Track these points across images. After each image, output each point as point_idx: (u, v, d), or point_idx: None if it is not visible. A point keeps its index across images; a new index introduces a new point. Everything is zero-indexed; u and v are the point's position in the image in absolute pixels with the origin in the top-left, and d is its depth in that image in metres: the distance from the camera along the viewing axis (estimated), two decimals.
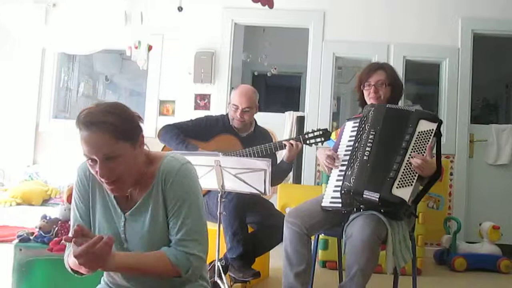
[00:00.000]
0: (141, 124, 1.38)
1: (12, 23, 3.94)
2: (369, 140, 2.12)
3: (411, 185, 2.00)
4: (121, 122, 1.28)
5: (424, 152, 2.03)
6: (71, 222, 1.45)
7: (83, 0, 3.91)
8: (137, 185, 1.38)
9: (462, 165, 4.19)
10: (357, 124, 2.23)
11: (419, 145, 2.05)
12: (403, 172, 2.02)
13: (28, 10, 4.39)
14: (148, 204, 1.37)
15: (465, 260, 3.54)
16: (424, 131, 2.08)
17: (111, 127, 1.25)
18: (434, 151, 2.10)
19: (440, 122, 2.11)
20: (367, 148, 2.11)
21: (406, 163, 2.03)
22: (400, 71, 4.17)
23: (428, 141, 2.06)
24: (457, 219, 3.71)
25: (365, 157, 2.09)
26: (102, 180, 1.29)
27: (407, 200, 1.98)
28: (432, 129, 2.08)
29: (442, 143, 2.30)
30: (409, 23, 4.29)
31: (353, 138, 2.21)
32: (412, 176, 2.02)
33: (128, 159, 1.29)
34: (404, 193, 1.99)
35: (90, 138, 1.25)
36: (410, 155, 2.03)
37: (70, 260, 1.34)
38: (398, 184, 2.00)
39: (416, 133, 2.07)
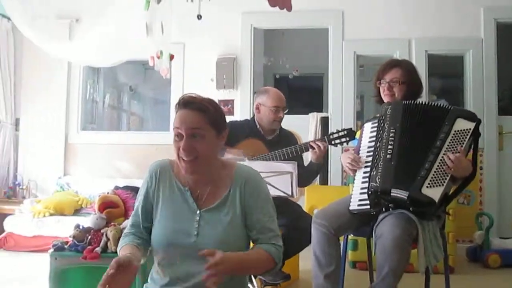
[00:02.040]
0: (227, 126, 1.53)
1: (37, 39, 4.06)
2: (390, 138, 2.08)
3: (442, 185, 1.96)
4: (214, 111, 1.45)
5: (458, 152, 1.97)
6: (133, 212, 1.55)
7: (104, 14, 3.99)
8: (213, 185, 1.48)
9: (492, 158, 4.09)
10: (375, 124, 2.20)
11: (454, 145, 1.99)
12: (435, 172, 1.96)
13: (53, 26, 4.52)
14: (225, 204, 1.46)
15: (499, 257, 3.46)
16: (461, 130, 2.01)
17: (205, 110, 1.42)
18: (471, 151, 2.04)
19: (478, 122, 2.03)
20: (389, 147, 2.07)
21: (439, 163, 1.97)
22: (422, 66, 4.14)
23: (464, 141, 1.99)
24: (489, 214, 3.62)
25: (388, 156, 2.06)
26: (182, 157, 1.40)
27: (436, 201, 1.94)
28: (470, 129, 2.01)
29: None
30: (429, 16, 4.23)
31: (374, 138, 2.18)
32: (444, 176, 1.96)
33: (209, 143, 1.43)
34: (434, 193, 1.94)
35: (184, 114, 1.41)
36: (444, 154, 1.98)
37: (120, 254, 1.42)
38: (429, 184, 1.95)
39: (452, 131, 2.01)
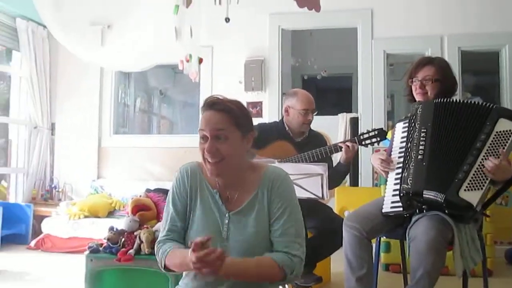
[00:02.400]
0: (254, 127, 1.51)
1: (71, 46, 4.19)
2: (421, 138, 2.02)
3: (481, 189, 1.88)
4: (239, 112, 1.43)
5: (498, 156, 1.88)
6: (164, 217, 1.52)
7: (135, 20, 4.07)
8: (241, 188, 1.46)
9: None
10: (407, 124, 2.14)
11: (495, 147, 1.90)
12: (474, 174, 1.89)
13: (85, 32, 4.65)
14: (253, 207, 1.44)
15: None
16: (503, 131, 1.91)
17: (230, 111, 1.41)
18: None
19: None
20: (421, 147, 2.01)
21: (479, 165, 1.89)
22: (455, 63, 4.03)
23: (507, 142, 1.90)
24: None
25: (419, 156, 2.00)
26: (207, 159, 1.39)
27: (474, 205, 1.87)
28: None
29: None
30: (462, 12, 4.12)
31: (405, 138, 2.12)
32: (483, 179, 1.88)
33: (234, 145, 1.41)
34: (472, 196, 1.87)
35: (209, 115, 1.40)
36: (484, 156, 1.90)
37: (168, 260, 1.41)
38: (467, 187, 1.88)
39: (494, 132, 1.91)
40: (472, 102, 2.05)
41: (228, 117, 1.39)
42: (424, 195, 1.95)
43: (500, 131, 1.91)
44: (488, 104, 2.00)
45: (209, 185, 1.48)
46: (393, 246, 3.23)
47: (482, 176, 1.89)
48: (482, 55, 4.31)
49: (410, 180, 1.99)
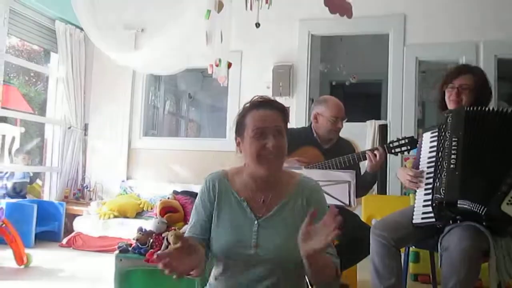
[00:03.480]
0: None
1: (106, 48, 4.30)
2: (453, 148, 1.98)
3: None
4: (284, 110, 1.49)
5: None
6: (188, 224, 1.55)
7: (168, 24, 4.15)
8: (275, 191, 1.47)
9: None
10: (435, 134, 2.10)
11: None
12: None
13: (120, 35, 4.77)
14: (283, 212, 1.44)
15: None
16: None
17: (282, 110, 1.47)
18: None
19: None
20: (452, 156, 1.97)
21: None
22: (491, 71, 3.93)
23: None
24: None
25: (451, 166, 1.96)
26: (268, 155, 1.39)
27: None
28: None
29: None
30: (498, 18, 4.01)
31: (434, 148, 2.08)
32: None
33: (286, 143, 1.45)
34: None
35: (266, 113, 1.43)
36: None
37: None
38: (509, 201, 1.84)
39: None
40: (509, 111, 1.98)
41: (282, 116, 1.45)
42: (458, 205, 1.91)
43: None
44: None
45: (236, 193, 1.48)
46: (422, 256, 3.16)
47: None
48: None
49: (443, 189, 1.96)
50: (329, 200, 2.21)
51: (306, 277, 1.78)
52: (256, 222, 1.43)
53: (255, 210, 1.45)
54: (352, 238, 2.53)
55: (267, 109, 1.43)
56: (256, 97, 1.48)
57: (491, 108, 2.01)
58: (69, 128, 5.00)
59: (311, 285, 2.42)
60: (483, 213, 1.84)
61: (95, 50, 4.87)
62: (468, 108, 2.04)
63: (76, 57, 4.98)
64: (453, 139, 2.00)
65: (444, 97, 2.24)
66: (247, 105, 1.48)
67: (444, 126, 2.06)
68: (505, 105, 4.42)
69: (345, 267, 2.57)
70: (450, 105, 2.21)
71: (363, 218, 3.38)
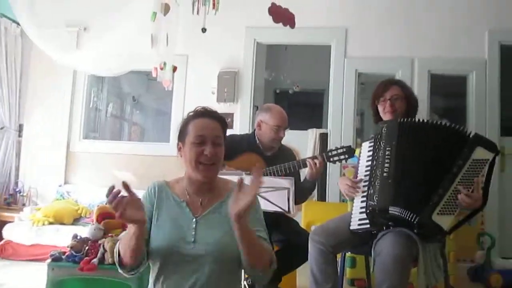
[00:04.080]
0: None
1: (46, 46, 4.11)
2: (386, 157, 2.07)
3: (453, 214, 1.93)
4: (224, 121, 1.62)
5: (472, 183, 1.92)
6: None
7: (112, 24, 4.04)
8: (212, 194, 1.58)
9: (493, 179, 4.02)
10: (372, 143, 2.20)
11: (470, 174, 1.93)
12: (447, 199, 1.92)
13: (61, 34, 4.57)
14: (221, 209, 1.54)
15: (501, 277, 3.43)
16: (479, 160, 1.94)
17: (222, 121, 1.60)
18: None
19: (497, 153, 1.97)
20: (386, 165, 2.06)
21: (453, 190, 1.93)
22: (425, 86, 4.18)
23: (481, 171, 1.94)
24: (490, 234, 3.61)
25: (385, 174, 2.05)
26: (204, 161, 1.51)
27: (445, 229, 1.92)
28: (488, 159, 1.96)
29: None
30: (433, 36, 4.26)
31: (371, 157, 2.17)
32: (455, 205, 1.92)
33: (223, 152, 1.57)
34: (444, 221, 1.91)
35: (207, 123, 1.55)
36: (459, 182, 1.93)
37: (120, 247, 1.47)
38: (440, 211, 1.92)
39: (471, 160, 1.94)
40: (443, 124, 2.09)
41: (221, 126, 1.58)
42: (390, 211, 1.99)
43: (476, 159, 1.95)
44: (465, 130, 2.03)
45: (177, 197, 1.57)
46: (358, 262, 3.27)
47: (454, 202, 1.92)
48: (451, 79, 4.45)
49: (376, 197, 2.04)
50: (269, 207, 2.24)
51: (242, 272, 1.84)
52: (194, 220, 1.52)
53: (193, 210, 1.55)
54: (291, 244, 2.58)
55: (209, 119, 1.55)
56: (200, 107, 1.60)
57: (424, 120, 2.12)
58: (2, 128, 4.71)
59: (247, 284, 2.44)
60: (415, 222, 1.92)
61: (33, 47, 4.62)
62: (401, 119, 2.16)
63: (11, 53, 4.70)
64: (387, 148, 2.09)
65: (378, 112, 2.37)
66: (191, 113, 1.59)
67: (379, 136, 2.16)
68: (437, 118, 4.70)
69: (284, 273, 2.61)
70: (386, 117, 2.33)
71: (303, 225, 3.45)
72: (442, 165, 1.98)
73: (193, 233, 1.49)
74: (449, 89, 4.92)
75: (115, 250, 1.49)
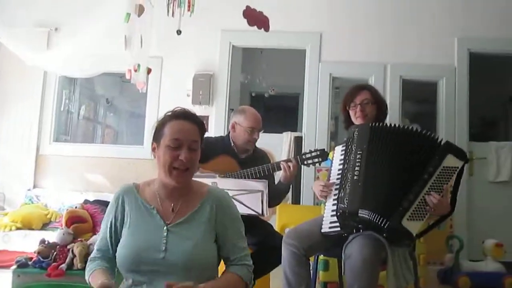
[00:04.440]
0: None
1: (14, 47, 4.00)
2: (357, 160, 2.09)
3: (422, 219, 1.96)
4: (203, 125, 1.56)
5: (442, 190, 1.96)
6: (99, 235, 1.58)
7: (84, 24, 3.97)
8: (185, 199, 1.52)
9: (462, 183, 4.13)
10: (344, 147, 2.22)
11: (440, 181, 1.97)
12: (417, 205, 1.95)
13: (31, 34, 4.46)
14: (195, 219, 1.49)
15: (469, 279, 3.51)
16: (449, 168, 1.99)
17: (200, 124, 1.54)
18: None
19: (466, 161, 2.02)
20: (356, 168, 2.08)
21: (423, 196, 1.96)
22: (397, 91, 4.26)
23: (450, 178, 1.99)
24: (459, 237, 3.69)
25: (355, 177, 2.07)
26: (178, 166, 1.45)
27: (414, 235, 1.95)
28: (458, 167, 2.00)
29: None
30: (405, 43, 4.35)
31: (343, 161, 2.19)
32: (425, 211, 1.96)
33: (198, 156, 1.51)
34: (413, 226, 1.94)
35: (185, 125, 1.49)
36: (429, 188, 1.96)
37: (91, 280, 1.44)
38: (409, 216, 1.94)
39: (441, 167, 1.98)
40: (414, 129, 2.13)
41: (198, 130, 1.51)
42: (359, 214, 2.00)
43: (446, 167, 1.98)
44: (436, 136, 2.07)
45: (145, 202, 1.52)
46: (331, 265, 3.28)
47: (424, 208, 1.95)
48: (422, 85, 4.55)
49: (346, 200, 2.06)
50: (243, 209, 2.23)
51: None
52: (165, 228, 1.47)
53: (164, 217, 1.49)
54: (265, 247, 2.57)
55: (187, 122, 1.49)
56: (179, 108, 1.53)
57: (395, 125, 2.15)
58: None
59: None
60: (385, 227, 1.94)
61: (1, 48, 4.48)
62: (373, 124, 2.18)
63: None
64: (358, 152, 2.12)
65: (349, 117, 2.40)
66: (169, 113, 1.52)
67: (351, 140, 2.19)
68: (408, 123, 4.80)
69: (258, 276, 2.59)
70: (357, 122, 2.36)
71: (277, 227, 3.45)
72: (412, 170, 2.00)
73: (164, 241, 1.44)
74: (420, 95, 5.03)
75: (87, 277, 1.47)
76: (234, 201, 2.16)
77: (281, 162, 2.59)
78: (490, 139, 4.50)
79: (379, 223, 1.95)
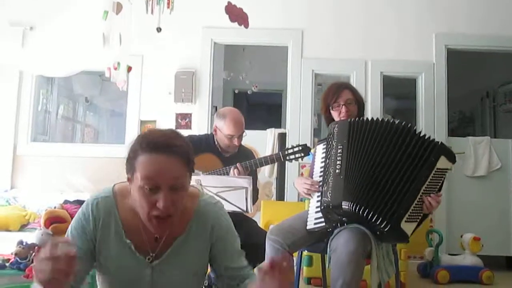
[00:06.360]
0: None
1: None
2: (339, 154, 2.10)
3: (416, 221, 1.99)
4: (188, 149, 1.19)
5: (435, 190, 2.00)
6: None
7: (60, 22, 3.89)
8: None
9: None
10: (325, 144, 2.23)
11: (433, 182, 2.00)
12: (414, 206, 1.98)
13: (5, 32, 4.36)
14: (182, 250, 1.27)
15: (447, 272, 3.56)
16: (441, 169, 2.01)
17: (184, 153, 1.16)
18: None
19: (454, 163, 2.05)
20: (338, 162, 2.09)
21: (419, 199, 1.98)
22: (378, 87, 4.30)
23: (441, 180, 2.02)
24: (439, 232, 3.74)
25: (337, 171, 2.07)
26: (157, 214, 1.15)
27: (409, 235, 1.97)
28: (448, 169, 2.03)
29: None
30: (385, 39, 4.39)
31: (324, 158, 2.20)
32: (419, 212, 1.99)
33: (185, 194, 1.19)
34: (409, 227, 1.97)
35: (162, 161, 1.13)
36: (424, 190, 1.99)
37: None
38: (407, 218, 1.97)
39: (435, 168, 2.00)
40: (391, 121, 2.13)
41: (183, 162, 1.16)
42: (343, 206, 2.01)
43: (439, 168, 2.01)
44: (431, 138, 2.08)
45: (125, 232, 1.24)
46: (315, 260, 3.30)
47: (419, 209, 1.99)
48: (402, 81, 4.61)
49: (329, 193, 2.06)
50: (227, 206, 2.21)
51: None
52: (149, 266, 1.26)
53: (146, 250, 1.25)
54: (248, 244, 2.54)
55: (164, 155, 1.13)
56: (152, 136, 1.16)
57: (372, 118, 2.16)
58: None
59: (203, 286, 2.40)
60: (386, 229, 1.94)
61: None
62: (351, 119, 2.20)
63: None
64: (339, 146, 2.12)
65: (332, 117, 2.40)
66: (141, 141, 1.16)
67: (331, 136, 2.19)
68: (389, 118, 4.85)
69: None
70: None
71: (261, 224, 3.45)
72: (393, 160, 2.02)
73: (149, 280, 1.24)
74: (400, 91, 5.10)
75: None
76: (218, 197, 2.17)
77: (263, 159, 2.58)
78: (468, 134, 4.58)
79: (380, 225, 1.95)
